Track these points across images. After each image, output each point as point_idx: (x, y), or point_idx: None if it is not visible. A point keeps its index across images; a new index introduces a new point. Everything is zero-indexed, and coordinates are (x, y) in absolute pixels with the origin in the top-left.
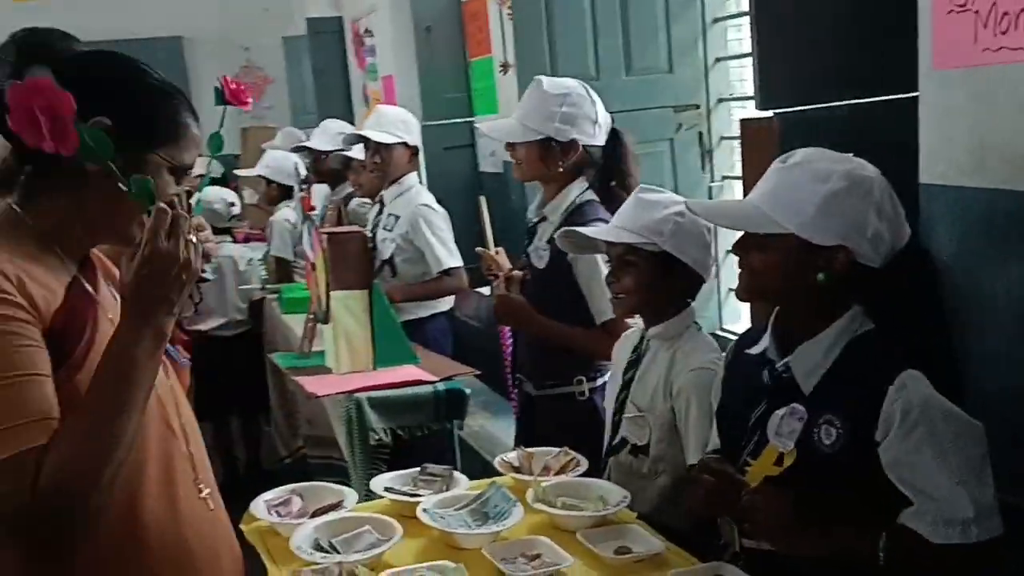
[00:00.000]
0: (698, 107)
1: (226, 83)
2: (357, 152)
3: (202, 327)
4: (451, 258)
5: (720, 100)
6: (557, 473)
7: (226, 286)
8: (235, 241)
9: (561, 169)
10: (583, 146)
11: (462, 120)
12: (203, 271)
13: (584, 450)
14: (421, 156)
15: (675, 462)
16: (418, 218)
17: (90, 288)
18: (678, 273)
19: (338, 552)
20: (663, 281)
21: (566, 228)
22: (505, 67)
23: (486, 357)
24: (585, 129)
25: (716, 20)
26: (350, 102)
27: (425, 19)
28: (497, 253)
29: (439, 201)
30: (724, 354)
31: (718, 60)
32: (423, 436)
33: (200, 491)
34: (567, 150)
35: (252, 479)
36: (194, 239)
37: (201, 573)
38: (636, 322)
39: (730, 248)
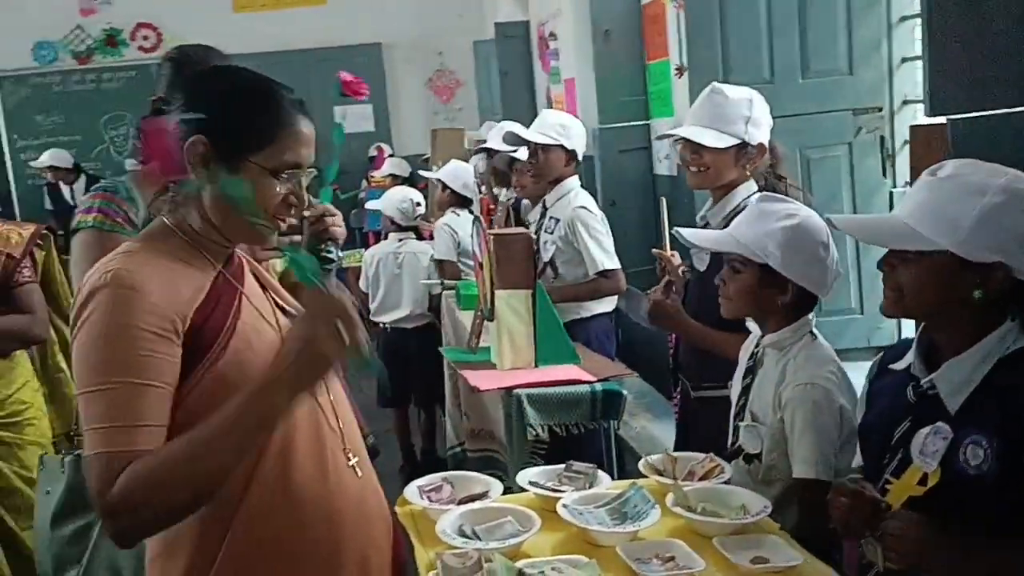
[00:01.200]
0: (880, 110)
1: (343, 78)
2: (522, 154)
3: (385, 319)
4: (608, 260)
5: (905, 102)
6: (701, 479)
7: (408, 281)
8: (419, 238)
9: (749, 173)
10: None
11: (638, 123)
12: (328, 251)
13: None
14: (596, 159)
15: (787, 471)
16: (576, 220)
17: (234, 281)
18: (786, 286)
19: (479, 539)
20: (767, 291)
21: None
22: (681, 70)
23: (653, 359)
24: (766, 133)
25: (903, 19)
26: (534, 104)
27: (605, 22)
28: (672, 255)
29: (612, 203)
30: (841, 366)
31: (904, 60)
32: (579, 434)
33: (348, 459)
34: (760, 153)
35: (427, 466)
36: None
37: (351, 532)
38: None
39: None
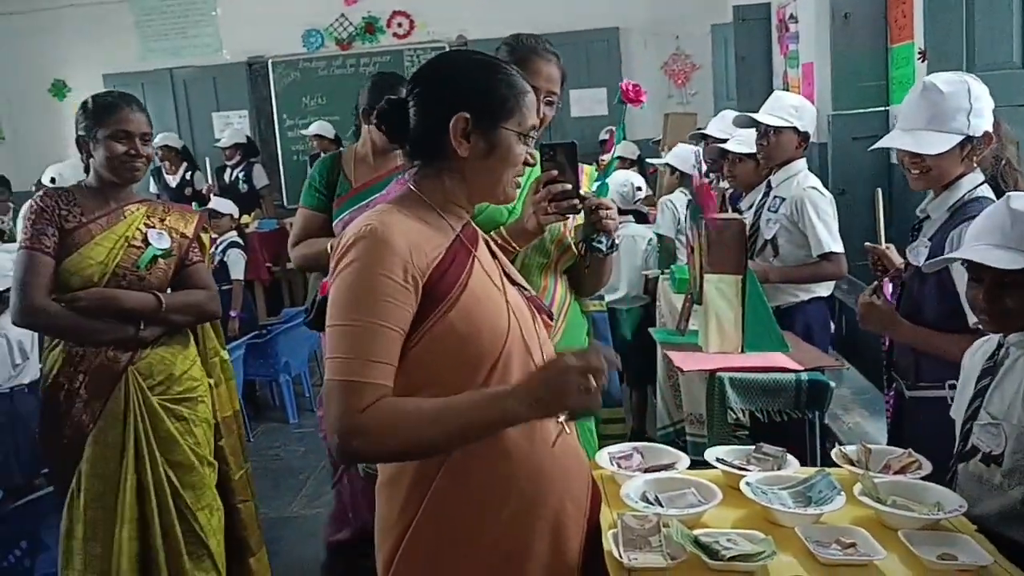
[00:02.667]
0: None
1: (623, 86)
2: (732, 145)
3: None
4: (833, 243)
5: None
6: (896, 472)
7: (625, 263)
8: (642, 221)
9: (976, 165)
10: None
11: (876, 109)
12: (599, 241)
13: (946, 457)
14: (829, 145)
15: None
16: (804, 200)
17: (469, 244)
18: None
19: (661, 505)
20: None
21: (936, 260)
22: (924, 54)
23: (876, 354)
24: (989, 118)
25: None
26: (770, 90)
27: (845, 5)
28: (887, 248)
29: (841, 192)
30: None
31: None
32: (783, 422)
33: (556, 417)
34: (987, 142)
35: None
36: None
37: (552, 483)
38: None
39: None
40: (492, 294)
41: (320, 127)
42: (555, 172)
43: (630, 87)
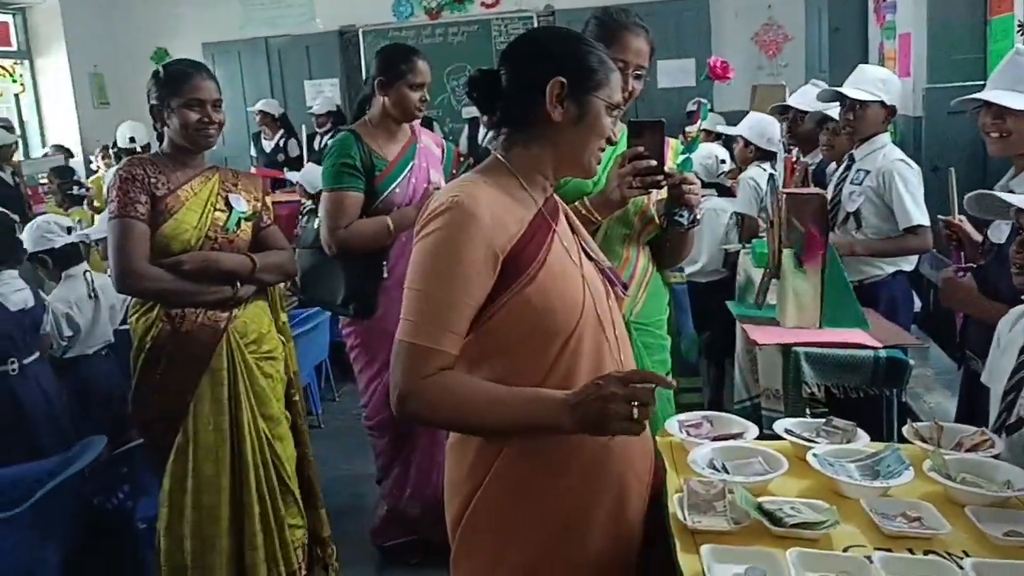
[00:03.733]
0: None
1: (711, 63)
2: (835, 111)
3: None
4: (920, 215)
5: None
6: (968, 451)
7: (706, 236)
8: (725, 194)
9: None
10: None
11: (973, 83)
12: (680, 216)
13: None
14: (923, 120)
15: None
16: (892, 172)
17: (550, 219)
18: None
19: (727, 473)
20: None
21: (981, 191)
22: (1022, 27)
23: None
24: None
25: None
26: (865, 61)
27: None
28: (960, 222)
29: (934, 169)
30: None
31: None
32: (859, 399)
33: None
34: None
35: None
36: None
37: (615, 454)
38: None
39: None
40: (569, 270)
41: None
42: (641, 148)
43: (718, 64)
